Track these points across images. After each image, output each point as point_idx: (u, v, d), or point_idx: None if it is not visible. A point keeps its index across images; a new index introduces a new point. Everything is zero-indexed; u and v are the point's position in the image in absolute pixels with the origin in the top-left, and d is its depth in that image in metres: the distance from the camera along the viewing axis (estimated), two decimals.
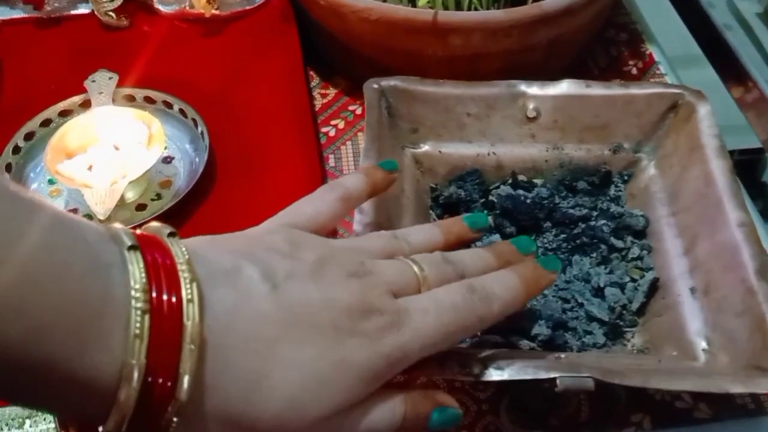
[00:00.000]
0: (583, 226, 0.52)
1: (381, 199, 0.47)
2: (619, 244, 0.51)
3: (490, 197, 0.55)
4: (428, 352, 0.35)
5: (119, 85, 0.59)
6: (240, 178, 0.57)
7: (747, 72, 0.73)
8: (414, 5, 0.64)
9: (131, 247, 0.28)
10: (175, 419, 0.28)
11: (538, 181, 0.55)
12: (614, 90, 0.54)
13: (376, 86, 0.55)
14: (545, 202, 0.53)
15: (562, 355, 0.44)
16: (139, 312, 0.27)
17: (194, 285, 0.29)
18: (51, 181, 0.56)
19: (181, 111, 0.59)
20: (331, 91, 0.70)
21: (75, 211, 0.54)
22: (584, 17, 0.64)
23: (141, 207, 0.54)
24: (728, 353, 0.43)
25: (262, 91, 0.64)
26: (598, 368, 0.39)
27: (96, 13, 0.70)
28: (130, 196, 0.54)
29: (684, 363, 0.44)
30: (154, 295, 0.28)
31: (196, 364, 0.28)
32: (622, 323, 0.48)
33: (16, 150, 0.56)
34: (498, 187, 0.55)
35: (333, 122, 0.67)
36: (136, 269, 0.28)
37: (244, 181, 0.56)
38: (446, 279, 0.38)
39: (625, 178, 0.54)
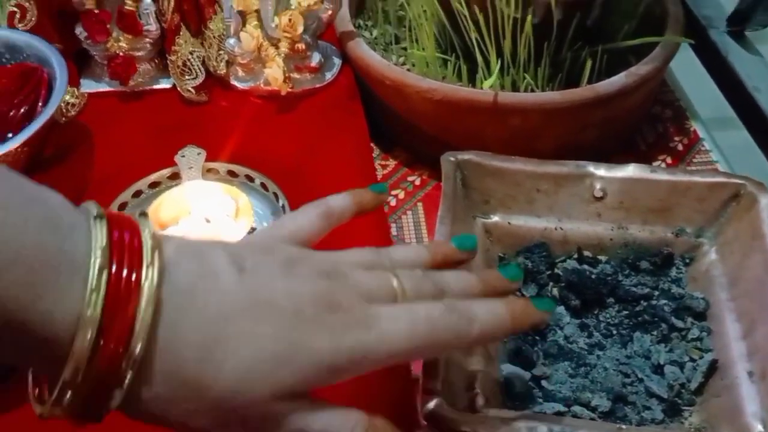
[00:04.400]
0: (645, 304, 0.54)
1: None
2: (680, 324, 0.53)
3: (556, 270, 0.57)
4: (397, 360, 0.35)
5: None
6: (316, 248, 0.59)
7: None
8: (474, 85, 0.68)
9: (97, 216, 0.30)
10: (129, 374, 0.30)
11: (602, 258, 0.57)
12: (678, 176, 0.56)
13: (452, 159, 0.58)
14: (609, 278, 0.55)
15: (624, 427, 0.46)
16: (97, 268, 0.29)
17: (156, 252, 0.30)
18: None
19: (263, 185, 0.62)
20: (391, 162, 0.73)
21: None
22: (636, 98, 0.67)
23: None
24: None
25: (334, 164, 0.67)
26: None
27: (178, 88, 0.73)
28: None
29: None
30: (114, 254, 0.29)
31: (150, 322, 0.29)
32: (680, 401, 0.50)
33: None
34: (564, 261, 0.57)
35: (394, 192, 0.70)
36: (99, 232, 0.30)
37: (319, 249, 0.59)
38: (426, 294, 0.37)
39: (687, 261, 0.56)
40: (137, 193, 0.62)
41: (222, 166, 0.63)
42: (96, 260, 0.29)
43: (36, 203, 0.29)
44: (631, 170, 0.57)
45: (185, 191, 0.58)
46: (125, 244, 0.30)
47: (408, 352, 0.35)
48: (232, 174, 0.63)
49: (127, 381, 0.30)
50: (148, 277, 0.30)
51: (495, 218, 0.59)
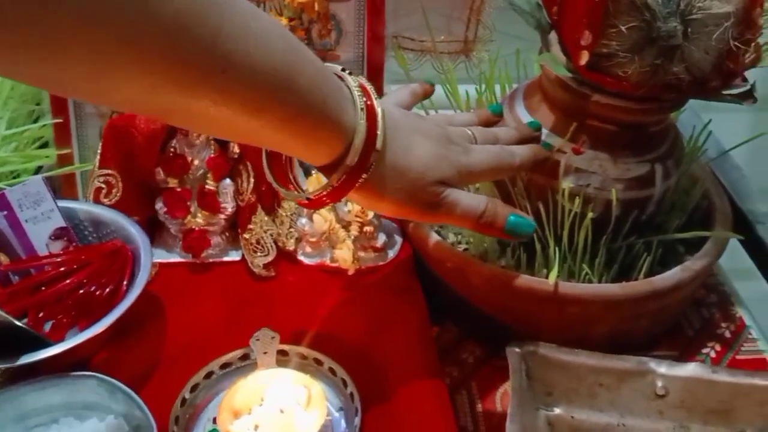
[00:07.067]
0: None
1: None
2: None
3: None
4: (483, 175, 0.59)
5: None
6: None
7: None
8: (531, 271, 0.71)
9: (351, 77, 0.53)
10: (373, 163, 0.51)
11: None
12: (739, 378, 0.58)
13: (518, 350, 0.60)
14: None
15: None
16: (360, 97, 0.50)
17: (375, 97, 0.52)
18: None
19: (331, 369, 0.63)
20: (442, 337, 0.74)
21: None
22: (688, 290, 0.70)
23: None
24: None
25: (397, 345, 0.68)
26: None
27: (249, 263, 0.76)
28: None
29: None
30: (364, 95, 0.51)
31: (383, 131, 0.51)
32: None
33: (183, 402, 0.60)
34: None
35: (447, 369, 0.70)
36: (353, 84, 0.51)
37: None
38: (487, 140, 0.61)
39: None
40: (209, 375, 0.62)
41: (292, 348, 0.64)
42: (358, 93, 0.51)
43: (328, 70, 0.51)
44: (691, 368, 0.59)
45: (259, 379, 0.59)
46: (366, 92, 0.51)
47: (486, 171, 0.59)
48: (301, 356, 0.64)
49: (372, 167, 0.51)
50: (378, 106, 0.51)
51: (557, 411, 0.60)
